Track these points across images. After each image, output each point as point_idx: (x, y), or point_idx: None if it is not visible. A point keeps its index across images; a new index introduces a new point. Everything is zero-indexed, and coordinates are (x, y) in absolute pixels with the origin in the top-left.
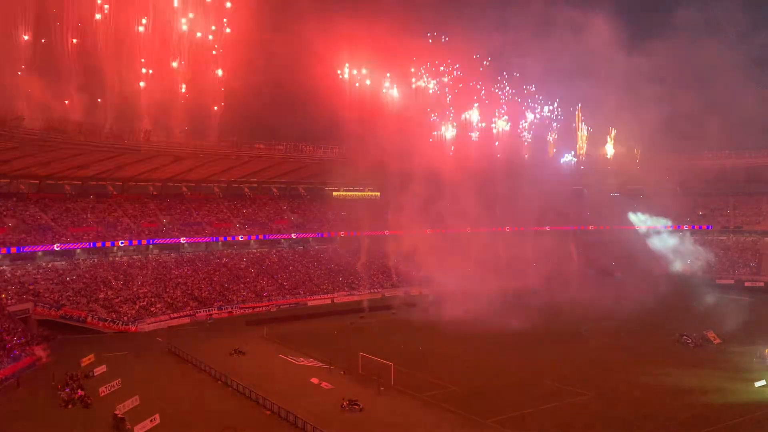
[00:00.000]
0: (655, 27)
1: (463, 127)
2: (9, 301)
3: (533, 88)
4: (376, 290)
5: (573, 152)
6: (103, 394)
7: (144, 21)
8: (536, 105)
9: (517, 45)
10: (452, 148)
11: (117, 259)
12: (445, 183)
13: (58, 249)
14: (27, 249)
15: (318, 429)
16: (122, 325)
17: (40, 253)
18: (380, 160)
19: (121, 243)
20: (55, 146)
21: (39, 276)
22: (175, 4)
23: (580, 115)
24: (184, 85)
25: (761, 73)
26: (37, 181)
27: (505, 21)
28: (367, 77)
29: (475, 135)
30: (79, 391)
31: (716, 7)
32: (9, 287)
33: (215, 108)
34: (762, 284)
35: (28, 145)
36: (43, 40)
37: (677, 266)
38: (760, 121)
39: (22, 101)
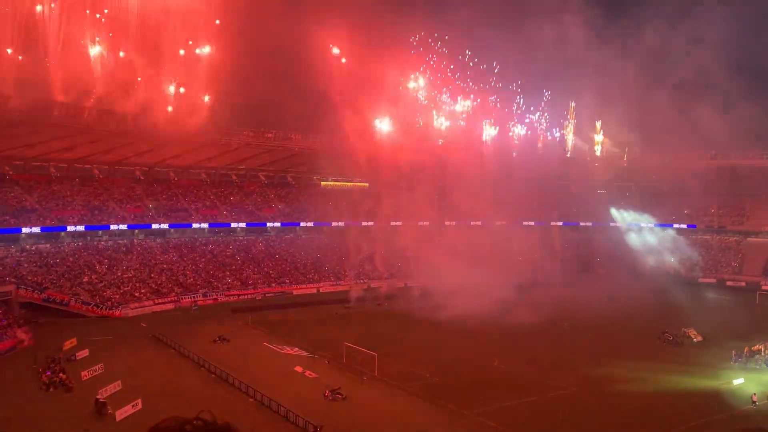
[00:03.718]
0: (645, 21)
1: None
2: None
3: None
4: (362, 281)
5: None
6: (85, 378)
7: None
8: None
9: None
10: (440, 141)
11: (102, 243)
12: (434, 175)
13: (43, 231)
14: (9, 230)
15: (300, 417)
16: (106, 309)
17: (23, 235)
18: (370, 150)
19: (107, 227)
20: (40, 127)
21: (22, 258)
22: None
23: (573, 111)
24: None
25: (749, 74)
26: (22, 163)
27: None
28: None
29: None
30: (61, 374)
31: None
32: None
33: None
34: (743, 284)
35: (13, 126)
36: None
37: (661, 264)
38: (746, 122)
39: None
